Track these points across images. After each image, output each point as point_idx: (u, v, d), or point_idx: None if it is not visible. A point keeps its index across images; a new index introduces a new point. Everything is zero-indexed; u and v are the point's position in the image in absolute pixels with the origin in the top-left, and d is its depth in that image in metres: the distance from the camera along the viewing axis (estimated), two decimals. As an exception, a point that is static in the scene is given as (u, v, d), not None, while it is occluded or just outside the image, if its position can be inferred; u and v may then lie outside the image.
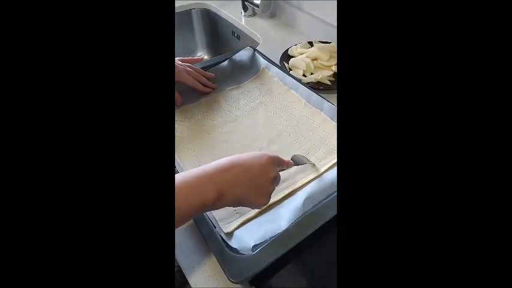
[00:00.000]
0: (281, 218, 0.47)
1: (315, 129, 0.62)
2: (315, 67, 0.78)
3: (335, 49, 0.80)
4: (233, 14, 1.07)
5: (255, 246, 0.43)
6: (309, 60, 0.78)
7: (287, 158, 0.48)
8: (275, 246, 0.41)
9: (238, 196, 0.40)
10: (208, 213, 0.47)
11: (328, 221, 0.43)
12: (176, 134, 0.63)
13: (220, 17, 1.12)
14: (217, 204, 0.39)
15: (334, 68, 0.77)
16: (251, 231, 0.46)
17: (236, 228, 0.47)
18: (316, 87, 0.73)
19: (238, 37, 1.08)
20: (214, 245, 0.42)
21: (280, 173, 0.45)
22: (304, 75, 0.77)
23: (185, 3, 1.13)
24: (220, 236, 0.44)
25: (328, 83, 0.74)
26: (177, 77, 0.67)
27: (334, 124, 0.62)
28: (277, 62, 0.79)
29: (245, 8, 1.04)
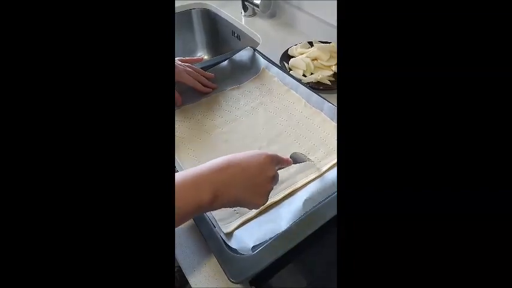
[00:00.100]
0: (281, 218, 0.47)
1: (315, 129, 0.62)
2: (315, 67, 0.78)
3: (335, 49, 0.80)
4: (233, 14, 1.07)
5: (254, 247, 0.43)
6: (309, 60, 0.78)
7: (287, 157, 0.48)
8: (275, 246, 0.41)
9: (235, 196, 0.39)
10: (208, 213, 0.47)
11: (328, 221, 0.43)
12: (176, 134, 0.63)
13: (220, 17, 1.12)
14: (213, 205, 0.38)
15: (334, 68, 0.77)
16: (251, 232, 0.46)
17: (236, 229, 0.47)
18: (316, 87, 0.73)
19: (238, 37, 1.08)
20: (215, 245, 0.42)
21: (279, 172, 0.45)
22: (304, 75, 0.77)
23: (185, 3, 1.13)
24: (220, 236, 0.44)
25: (328, 83, 0.74)
26: (177, 77, 0.67)
27: (334, 124, 0.62)
28: (277, 62, 0.79)
29: (245, 8, 1.04)
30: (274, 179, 0.43)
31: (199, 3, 1.14)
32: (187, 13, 1.15)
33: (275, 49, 0.85)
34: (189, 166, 0.56)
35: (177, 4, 1.10)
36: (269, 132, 0.63)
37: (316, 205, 0.47)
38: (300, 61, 0.78)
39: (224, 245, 0.42)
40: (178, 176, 0.37)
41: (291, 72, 0.77)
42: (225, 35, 1.15)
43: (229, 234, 0.47)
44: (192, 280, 0.44)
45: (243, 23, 1.04)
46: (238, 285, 0.41)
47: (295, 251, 0.41)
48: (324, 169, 0.55)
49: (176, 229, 0.36)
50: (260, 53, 0.78)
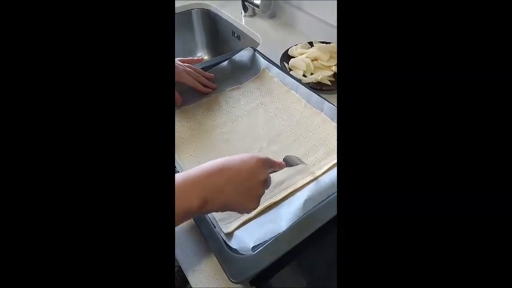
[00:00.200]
0: (281, 218, 0.47)
1: (315, 129, 0.62)
2: (315, 67, 0.78)
3: (335, 49, 0.80)
4: (233, 14, 1.07)
5: (255, 247, 0.43)
6: (309, 60, 0.78)
7: (279, 160, 0.47)
8: (275, 247, 0.41)
9: (227, 201, 0.39)
10: (208, 213, 0.47)
11: (328, 222, 0.43)
12: (176, 134, 0.63)
13: (220, 17, 1.12)
14: (203, 210, 0.37)
15: (334, 68, 0.77)
16: (251, 232, 0.46)
17: (236, 229, 0.47)
18: (316, 87, 0.73)
19: (238, 37, 1.08)
20: (215, 245, 0.42)
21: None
22: (304, 76, 0.77)
23: (185, 3, 1.13)
24: (221, 236, 0.44)
25: (328, 83, 0.74)
26: (177, 78, 0.67)
27: (334, 125, 0.62)
28: (278, 63, 0.79)
29: (245, 8, 1.04)
30: (266, 182, 0.43)
31: (199, 3, 1.14)
32: (187, 13, 1.15)
33: (275, 49, 0.85)
34: (189, 166, 0.56)
35: (177, 4, 1.10)
36: (269, 133, 0.63)
37: (316, 205, 0.47)
38: (300, 61, 0.78)
39: (224, 245, 0.42)
40: None
41: (291, 72, 0.77)
42: (225, 35, 1.15)
43: (230, 234, 0.47)
44: (192, 280, 0.44)
45: (243, 23, 1.04)
46: (238, 285, 0.41)
47: (296, 251, 0.41)
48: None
49: (176, 229, 0.36)
50: (260, 53, 0.78)
